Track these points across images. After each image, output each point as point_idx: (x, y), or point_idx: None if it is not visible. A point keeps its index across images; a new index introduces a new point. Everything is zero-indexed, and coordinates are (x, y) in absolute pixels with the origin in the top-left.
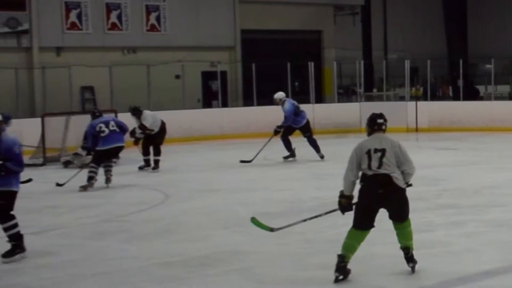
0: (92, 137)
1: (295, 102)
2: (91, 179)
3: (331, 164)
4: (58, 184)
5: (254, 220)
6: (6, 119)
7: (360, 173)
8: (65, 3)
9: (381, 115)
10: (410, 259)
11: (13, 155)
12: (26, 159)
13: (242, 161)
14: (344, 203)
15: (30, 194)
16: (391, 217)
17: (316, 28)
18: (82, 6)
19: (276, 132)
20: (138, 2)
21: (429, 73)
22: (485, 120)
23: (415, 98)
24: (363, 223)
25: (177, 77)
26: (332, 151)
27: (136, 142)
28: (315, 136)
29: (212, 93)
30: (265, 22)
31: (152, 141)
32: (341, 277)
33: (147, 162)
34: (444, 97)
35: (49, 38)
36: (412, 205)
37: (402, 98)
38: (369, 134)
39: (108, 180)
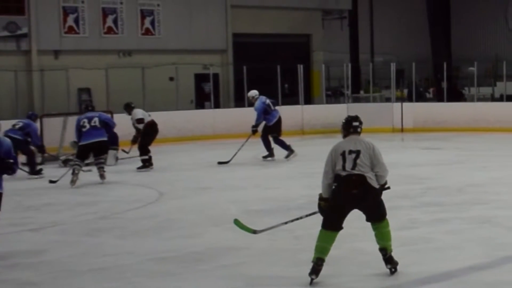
0: (77, 131)
1: (268, 101)
2: (74, 171)
3: (319, 163)
4: (51, 181)
5: (237, 222)
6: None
7: (335, 175)
8: (63, 7)
9: (356, 118)
10: (388, 260)
11: (13, 157)
12: (24, 158)
13: (220, 163)
14: (323, 205)
15: (29, 192)
16: (368, 218)
17: (305, 32)
18: (79, 10)
19: (253, 132)
20: (133, 7)
21: (414, 75)
22: (468, 121)
23: (401, 99)
24: (333, 224)
25: (171, 79)
26: (321, 150)
27: (134, 142)
28: (305, 136)
29: (205, 94)
30: (256, 26)
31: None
32: (315, 278)
33: (144, 162)
34: (433, 98)
35: (48, 42)
36: (397, 203)
37: (388, 100)
38: (345, 136)
39: (102, 177)
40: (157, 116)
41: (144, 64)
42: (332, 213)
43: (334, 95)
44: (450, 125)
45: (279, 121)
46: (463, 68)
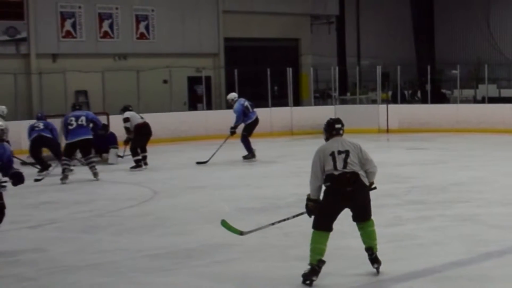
0: (64, 128)
1: (246, 103)
2: (64, 171)
3: (308, 163)
4: (36, 180)
5: (224, 223)
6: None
7: (324, 176)
8: (61, 13)
9: (338, 120)
10: (374, 260)
11: (12, 162)
12: (24, 158)
13: (198, 163)
14: (311, 206)
15: (27, 190)
16: (355, 218)
17: (294, 36)
18: (76, 15)
19: (231, 133)
20: (129, 12)
21: (399, 78)
22: (451, 122)
23: (386, 101)
24: (325, 224)
25: (165, 82)
26: (309, 150)
27: (126, 143)
28: (294, 137)
29: (197, 96)
30: (247, 31)
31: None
32: (316, 280)
33: (137, 162)
34: (418, 100)
35: (46, 46)
36: (382, 201)
37: (374, 101)
38: (327, 138)
39: (95, 175)
40: (151, 118)
41: (139, 67)
42: (325, 213)
43: (322, 97)
44: (434, 126)
45: (254, 122)
46: (446, 71)
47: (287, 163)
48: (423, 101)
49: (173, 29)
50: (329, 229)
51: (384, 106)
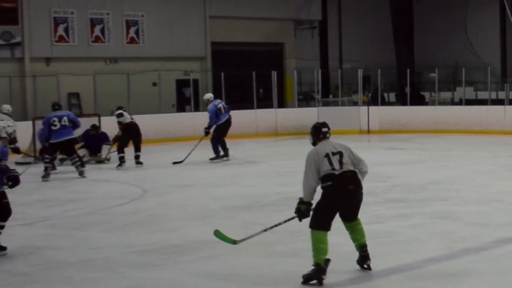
0: (47, 128)
1: (220, 104)
2: (46, 169)
3: (292, 162)
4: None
5: (217, 233)
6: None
7: (321, 176)
8: (54, 18)
9: (324, 124)
10: (367, 257)
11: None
12: (18, 157)
13: (174, 163)
14: (304, 209)
15: (21, 189)
16: (348, 216)
17: (278, 40)
18: (69, 20)
19: (205, 133)
20: (119, 17)
21: (380, 81)
22: (430, 123)
23: (367, 103)
24: (326, 223)
25: (154, 84)
26: (293, 151)
27: (114, 141)
28: (278, 138)
29: (185, 99)
30: (233, 35)
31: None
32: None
33: (121, 159)
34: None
35: (39, 50)
36: (364, 199)
37: (355, 103)
38: (314, 142)
39: (81, 173)
40: (141, 119)
41: (129, 71)
42: (326, 212)
43: (305, 99)
44: (413, 127)
45: (224, 124)
46: (425, 74)
47: (272, 162)
48: (403, 103)
49: (162, 33)
50: (329, 228)
51: (365, 108)
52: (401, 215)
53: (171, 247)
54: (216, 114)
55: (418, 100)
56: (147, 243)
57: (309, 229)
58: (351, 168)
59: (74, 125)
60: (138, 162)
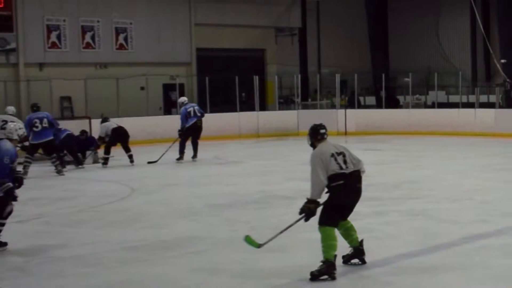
0: (29, 128)
1: (191, 108)
2: (24, 167)
3: (273, 162)
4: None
5: (247, 238)
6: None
7: (329, 175)
8: (47, 25)
9: (322, 126)
10: (363, 251)
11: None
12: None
13: (149, 162)
14: (313, 208)
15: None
16: (346, 215)
17: (260, 47)
18: (61, 28)
19: (179, 135)
20: (109, 25)
21: (356, 85)
22: (404, 125)
23: (344, 106)
24: (337, 220)
25: (142, 88)
26: (274, 151)
27: (98, 140)
28: (260, 139)
29: (172, 102)
30: (217, 42)
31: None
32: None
33: (105, 159)
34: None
35: (33, 55)
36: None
37: (333, 106)
38: (313, 144)
39: (59, 172)
40: (130, 121)
41: (118, 75)
42: (337, 210)
43: (286, 103)
44: (388, 129)
45: (191, 127)
46: (399, 79)
47: (254, 162)
48: (378, 106)
49: (150, 40)
50: (337, 225)
51: (343, 110)
52: (377, 212)
53: (159, 243)
54: (185, 117)
55: (393, 104)
56: (135, 240)
57: (319, 225)
58: (355, 167)
59: (52, 126)
60: (131, 161)
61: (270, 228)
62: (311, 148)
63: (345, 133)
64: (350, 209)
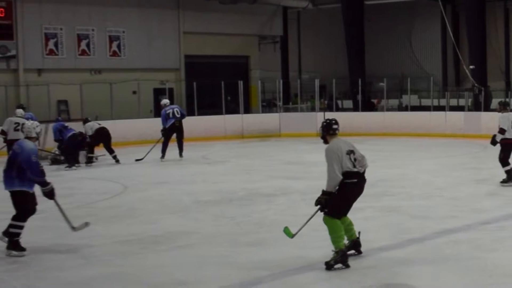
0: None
1: (170, 110)
2: None
3: (256, 162)
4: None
5: (286, 229)
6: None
7: (343, 171)
8: (45, 33)
9: (335, 121)
10: (359, 242)
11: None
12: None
13: (136, 160)
14: (328, 200)
15: None
16: (348, 211)
17: (244, 53)
18: (58, 36)
19: (162, 135)
20: (103, 33)
21: (334, 89)
22: (379, 127)
23: (323, 109)
24: (343, 214)
25: (134, 92)
26: (258, 151)
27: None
28: (244, 140)
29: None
30: (204, 49)
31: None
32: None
33: (89, 159)
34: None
35: (32, 62)
36: (319, 195)
37: (313, 109)
38: (324, 137)
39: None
40: (122, 123)
41: (111, 80)
42: (346, 205)
43: (268, 106)
44: (364, 131)
45: (169, 128)
46: (374, 84)
47: (239, 162)
48: (355, 109)
49: (141, 47)
50: (341, 218)
51: (322, 113)
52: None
53: (150, 237)
54: (165, 119)
55: (369, 107)
56: (128, 234)
57: (326, 217)
58: (361, 166)
59: (2, 132)
60: (117, 161)
61: (254, 224)
62: (292, 149)
63: None
64: (352, 205)
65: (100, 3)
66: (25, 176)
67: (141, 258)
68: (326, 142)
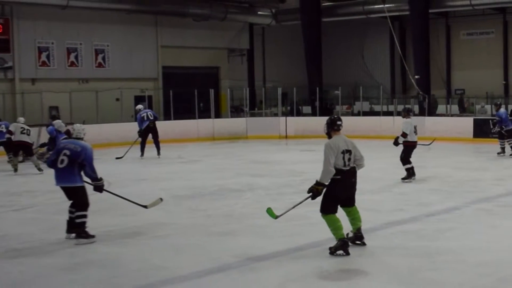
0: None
1: (144, 114)
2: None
3: (226, 161)
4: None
5: (269, 210)
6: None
7: (334, 168)
8: (38, 47)
9: (339, 118)
10: (362, 236)
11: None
12: (7, 158)
13: (117, 158)
14: (321, 190)
15: (13, 182)
16: (348, 202)
17: (215, 65)
18: (50, 49)
19: (139, 136)
20: (90, 47)
21: (295, 96)
22: None
23: (285, 114)
24: (335, 208)
25: (117, 100)
26: (228, 152)
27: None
28: (215, 141)
29: None
30: (179, 61)
31: None
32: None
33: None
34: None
35: (27, 72)
36: (283, 190)
37: (276, 114)
38: (328, 134)
39: (15, 170)
40: (107, 127)
41: (97, 89)
42: (334, 200)
43: (236, 111)
44: (322, 133)
45: (143, 130)
46: (331, 91)
47: (210, 161)
48: (313, 114)
49: (123, 59)
50: (337, 211)
51: (284, 118)
52: (312, 202)
53: (132, 228)
54: (141, 121)
55: (326, 112)
56: (112, 225)
57: (322, 214)
58: (353, 164)
59: (9, 132)
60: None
61: (224, 216)
62: (257, 150)
63: (286, 137)
64: (347, 199)
65: (87, 20)
66: (85, 172)
67: (123, 246)
68: (330, 137)
